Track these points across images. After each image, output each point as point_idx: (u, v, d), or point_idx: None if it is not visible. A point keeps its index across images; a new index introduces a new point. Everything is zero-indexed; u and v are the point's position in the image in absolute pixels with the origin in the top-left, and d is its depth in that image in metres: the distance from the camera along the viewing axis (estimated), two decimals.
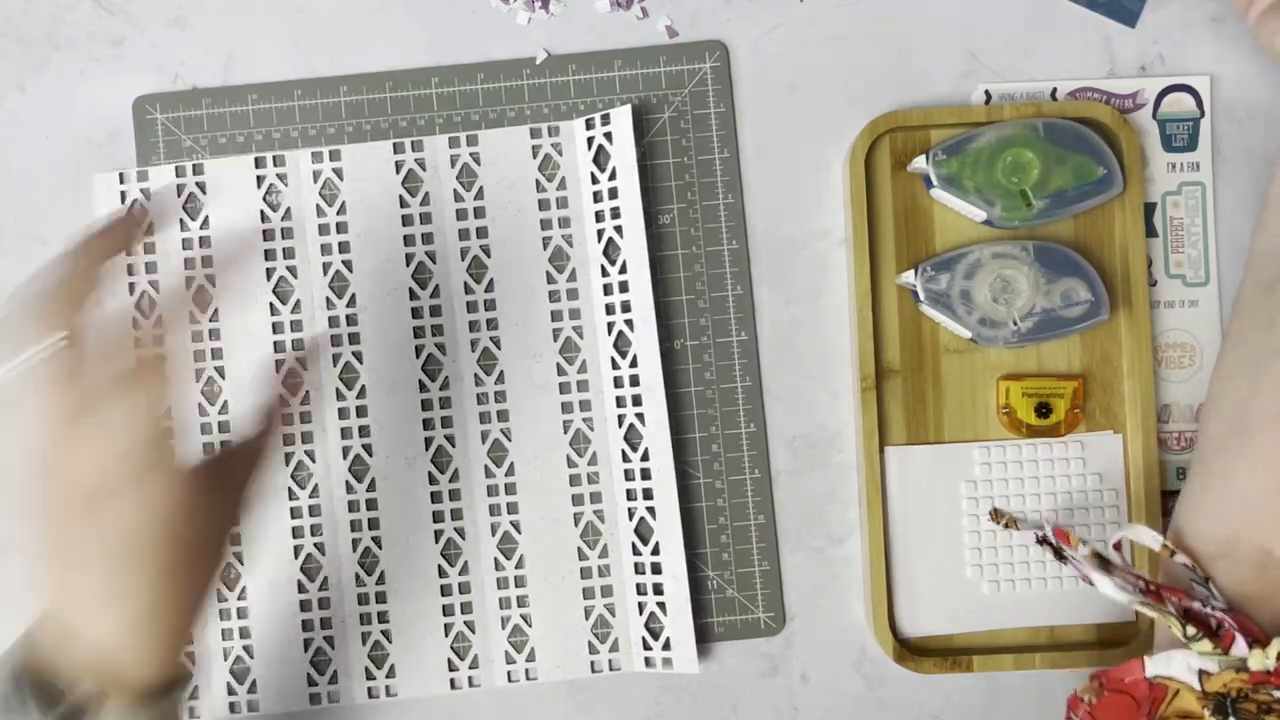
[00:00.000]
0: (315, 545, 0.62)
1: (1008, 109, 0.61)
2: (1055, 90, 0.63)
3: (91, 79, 0.63)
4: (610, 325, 0.62)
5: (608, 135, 0.62)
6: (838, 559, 0.63)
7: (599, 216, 0.62)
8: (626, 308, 0.61)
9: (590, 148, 0.62)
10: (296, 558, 0.62)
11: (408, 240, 0.63)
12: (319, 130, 0.63)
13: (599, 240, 0.62)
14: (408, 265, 0.63)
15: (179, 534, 0.40)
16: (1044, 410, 0.61)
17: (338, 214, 0.63)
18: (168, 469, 0.40)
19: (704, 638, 0.62)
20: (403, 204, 0.63)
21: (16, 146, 0.63)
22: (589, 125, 0.62)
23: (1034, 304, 0.59)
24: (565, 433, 0.62)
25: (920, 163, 0.60)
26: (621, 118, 0.61)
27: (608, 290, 0.62)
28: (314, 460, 0.62)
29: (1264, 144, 0.63)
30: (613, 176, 0.62)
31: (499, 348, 0.62)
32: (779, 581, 0.62)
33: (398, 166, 0.63)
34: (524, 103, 0.63)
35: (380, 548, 0.62)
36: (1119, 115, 0.61)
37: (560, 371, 0.62)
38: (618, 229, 0.61)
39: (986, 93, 0.63)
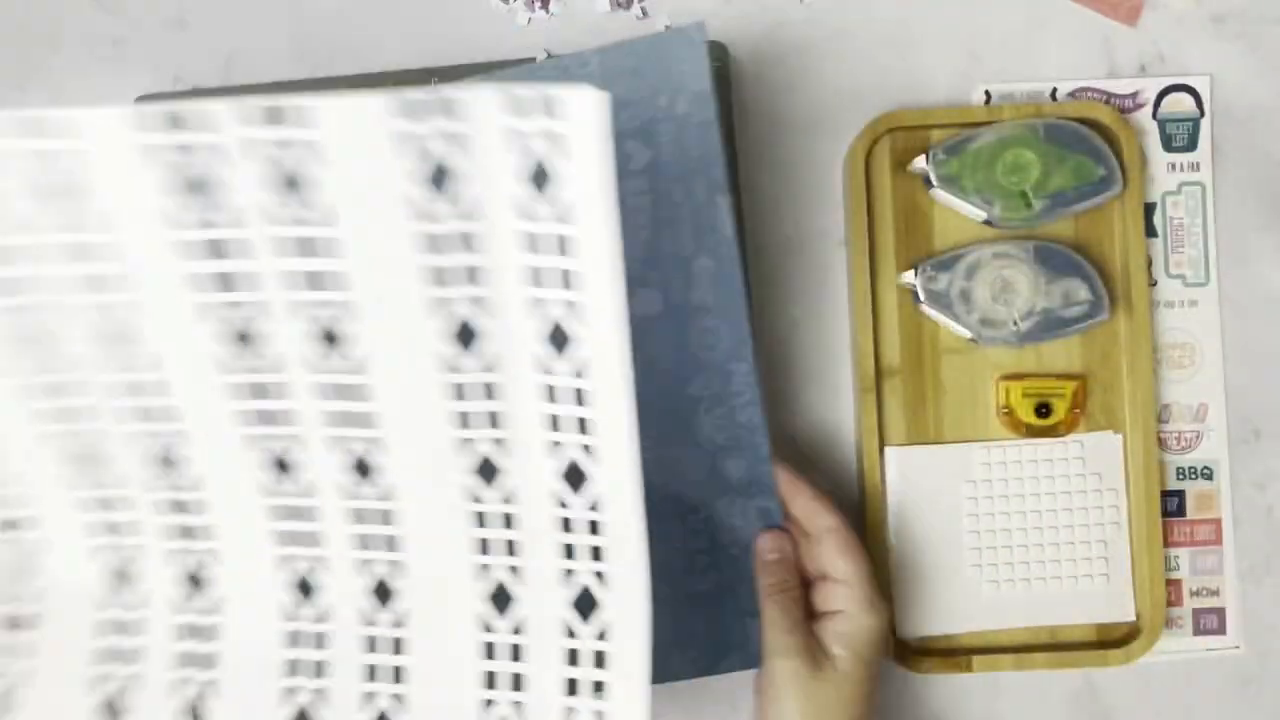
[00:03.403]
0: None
1: (1008, 109, 0.61)
2: (1055, 90, 0.63)
3: (91, 79, 0.63)
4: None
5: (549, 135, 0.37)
6: None
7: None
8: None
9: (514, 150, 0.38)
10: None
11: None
12: None
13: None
14: None
15: None
16: (1044, 410, 0.61)
17: None
18: None
19: None
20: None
21: None
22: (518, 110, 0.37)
23: (1034, 304, 0.59)
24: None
25: (920, 163, 0.60)
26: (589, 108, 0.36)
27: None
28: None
29: (1264, 144, 0.63)
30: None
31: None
32: None
33: None
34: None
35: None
36: (1119, 115, 0.61)
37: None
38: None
39: (986, 93, 0.63)
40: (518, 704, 0.42)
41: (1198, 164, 0.63)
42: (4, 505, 0.44)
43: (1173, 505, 0.62)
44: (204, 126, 0.38)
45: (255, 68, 0.63)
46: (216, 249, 0.39)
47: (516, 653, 0.42)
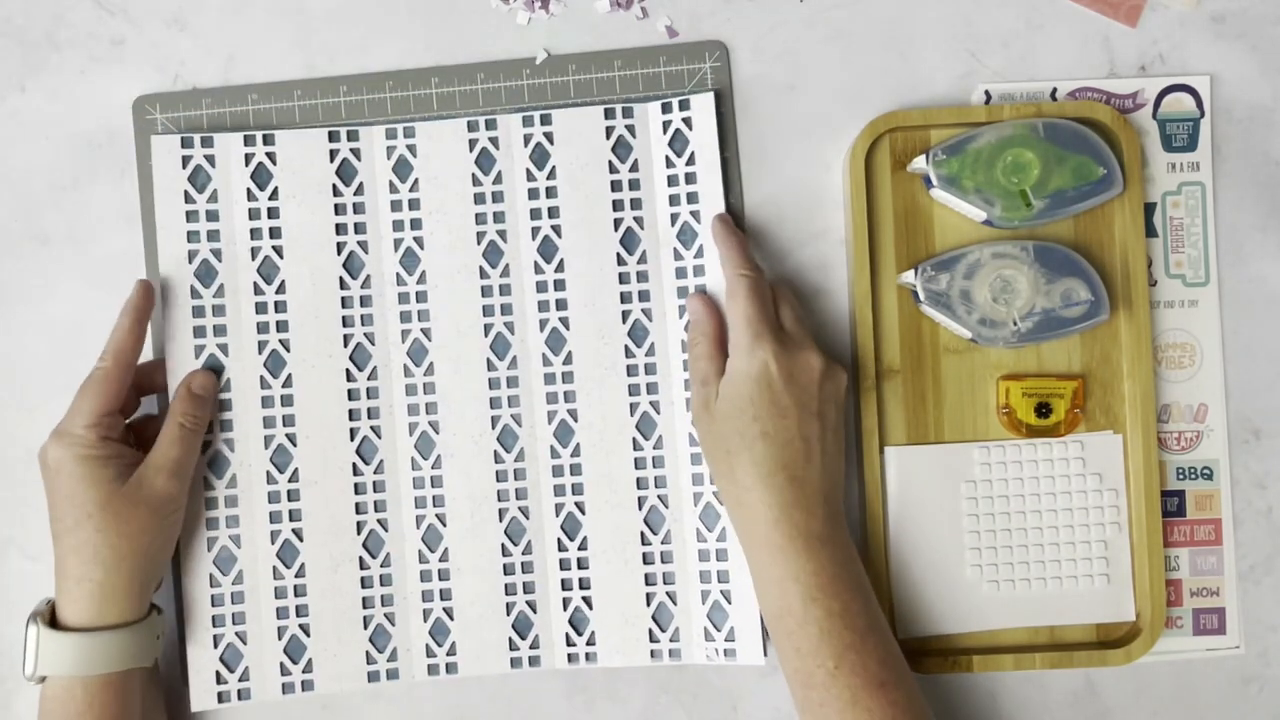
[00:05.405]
0: (379, 521, 0.62)
1: (1008, 109, 0.61)
2: (1055, 90, 0.63)
3: (91, 79, 0.63)
4: (682, 309, 0.62)
5: (686, 120, 0.62)
6: None
7: (673, 200, 0.62)
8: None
9: (665, 132, 0.62)
10: (359, 534, 0.62)
11: (479, 219, 0.63)
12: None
13: (672, 224, 0.62)
14: (478, 243, 0.63)
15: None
16: (1044, 410, 0.61)
17: (410, 190, 0.63)
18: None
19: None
20: (475, 182, 0.63)
21: (16, 146, 0.63)
22: (665, 109, 0.62)
23: (1034, 304, 0.59)
24: (632, 415, 0.62)
25: (920, 163, 0.60)
26: (703, 104, 0.62)
27: (681, 274, 0.62)
28: (380, 436, 0.62)
29: (1264, 144, 0.63)
30: (690, 162, 0.62)
31: (567, 328, 0.62)
32: None
33: (471, 144, 0.63)
34: (524, 102, 0.63)
35: (444, 525, 0.62)
36: (1119, 115, 0.61)
37: (628, 354, 0.62)
38: (694, 214, 0.62)
39: (986, 93, 0.63)
40: (661, 497, 0.62)
41: (1198, 164, 0.63)
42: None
43: (1173, 505, 0.62)
44: (498, 128, 0.63)
45: (255, 68, 0.63)
46: (495, 198, 0.63)
47: (658, 462, 0.62)
